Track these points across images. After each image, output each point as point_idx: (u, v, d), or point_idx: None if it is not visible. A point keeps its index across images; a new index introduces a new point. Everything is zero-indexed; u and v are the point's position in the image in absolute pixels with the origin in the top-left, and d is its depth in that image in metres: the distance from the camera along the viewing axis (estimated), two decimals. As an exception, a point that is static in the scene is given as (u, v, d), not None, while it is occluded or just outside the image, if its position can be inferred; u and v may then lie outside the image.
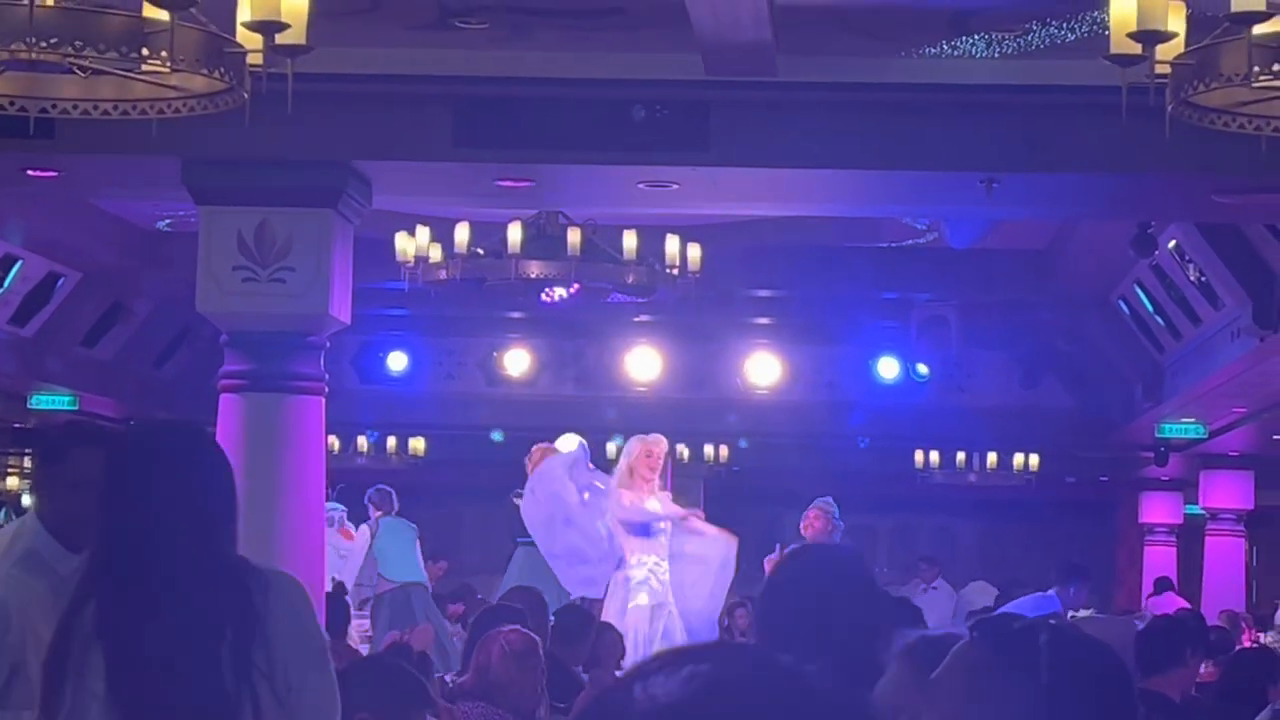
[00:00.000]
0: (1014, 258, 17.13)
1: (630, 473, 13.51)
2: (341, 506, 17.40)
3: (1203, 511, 22.89)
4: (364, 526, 16.85)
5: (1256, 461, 21.97)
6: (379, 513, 17.04)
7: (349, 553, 16.87)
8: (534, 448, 14.77)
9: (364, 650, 12.59)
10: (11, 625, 5.24)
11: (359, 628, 15.81)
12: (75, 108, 6.56)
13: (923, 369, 21.10)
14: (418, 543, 16.91)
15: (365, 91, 10.31)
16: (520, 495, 14.39)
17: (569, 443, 14.72)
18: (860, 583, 4.64)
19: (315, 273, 10.54)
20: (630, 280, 13.81)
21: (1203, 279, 15.07)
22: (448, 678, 9.62)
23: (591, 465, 14.13)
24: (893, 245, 16.93)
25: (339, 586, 15.43)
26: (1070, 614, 12.23)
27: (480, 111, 10.40)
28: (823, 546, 4.86)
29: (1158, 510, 24.77)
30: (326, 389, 10.90)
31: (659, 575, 13.36)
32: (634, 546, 13.43)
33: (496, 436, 20.74)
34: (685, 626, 13.26)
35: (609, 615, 13.04)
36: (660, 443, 13.82)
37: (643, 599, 13.25)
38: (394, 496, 17.14)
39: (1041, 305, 18.82)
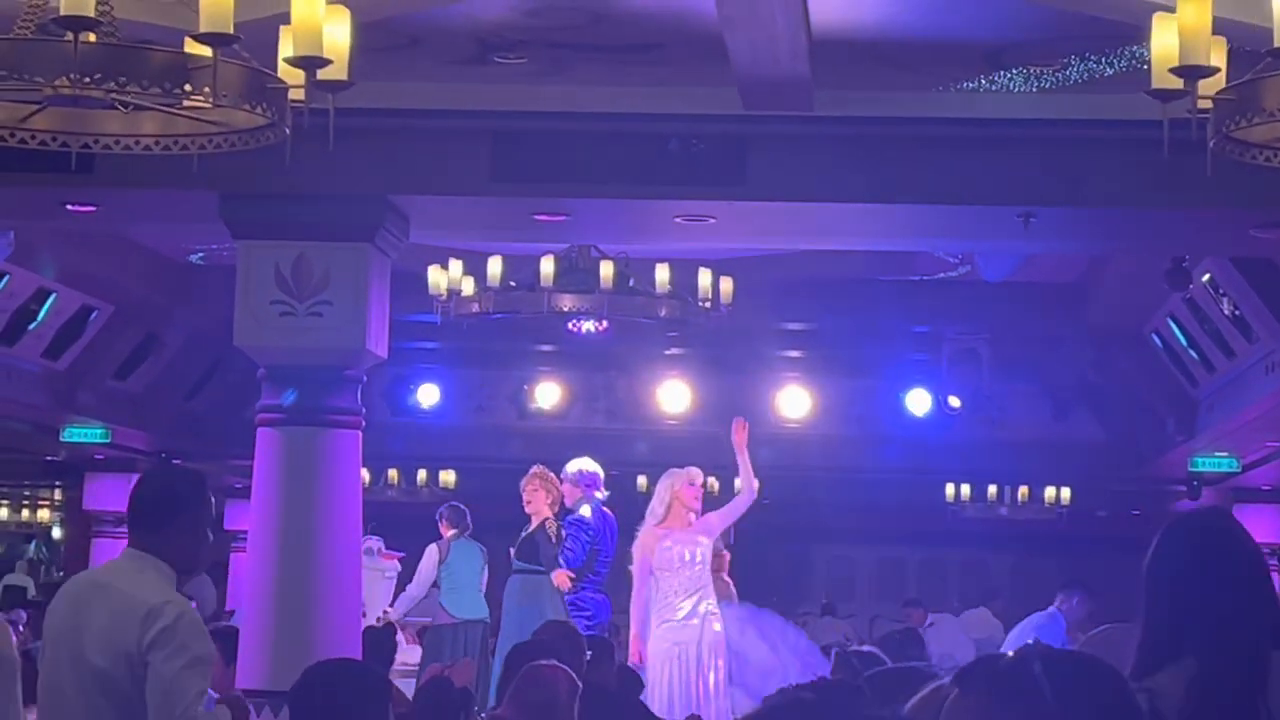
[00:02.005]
0: (1046, 291, 17.11)
1: (668, 508, 13.35)
2: (378, 537, 17.36)
3: (1235, 545, 22.75)
4: (433, 546, 15.97)
5: (1290, 495, 21.87)
6: (452, 531, 16.02)
7: (393, 573, 16.71)
8: (532, 469, 14.59)
9: (405, 685, 12.42)
10: None
11: (403, 661, 15.57)
12: (117, 143, 6.57)
13: (954, 401, 21.04)
14: (485, 570, 16.02)
15: (404, 126, 10.34)
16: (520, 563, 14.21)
17: (582, 463, 14.54)
18: (1246, 556, 4.34)
19: (353, 307, 10.55)
20: (662, 313, 13.81)
21: (1236, 312, 15.02)
22: (483, 715, 9.58)
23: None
24: (924, 278, 16.91)
25: (389, 625, 15.24)
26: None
27: (518, 146, 10.41)
28: (1208, 512, 4.61)
29: (1190, 544, 24.60)
30: (363, 423, 10.90)
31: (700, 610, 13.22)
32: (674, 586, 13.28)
33: None
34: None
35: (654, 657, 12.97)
36: (701, 474, 13.72)
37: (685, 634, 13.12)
38: (468, 515, 16.15)
39: (1073, 338, 18.77)
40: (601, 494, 14.35)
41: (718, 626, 13.29)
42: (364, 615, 17.81)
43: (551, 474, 14.43)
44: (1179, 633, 4.21)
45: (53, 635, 6.11)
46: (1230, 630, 4.19)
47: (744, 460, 13.42)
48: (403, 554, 17.43)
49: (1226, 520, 4.53)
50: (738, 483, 13.67)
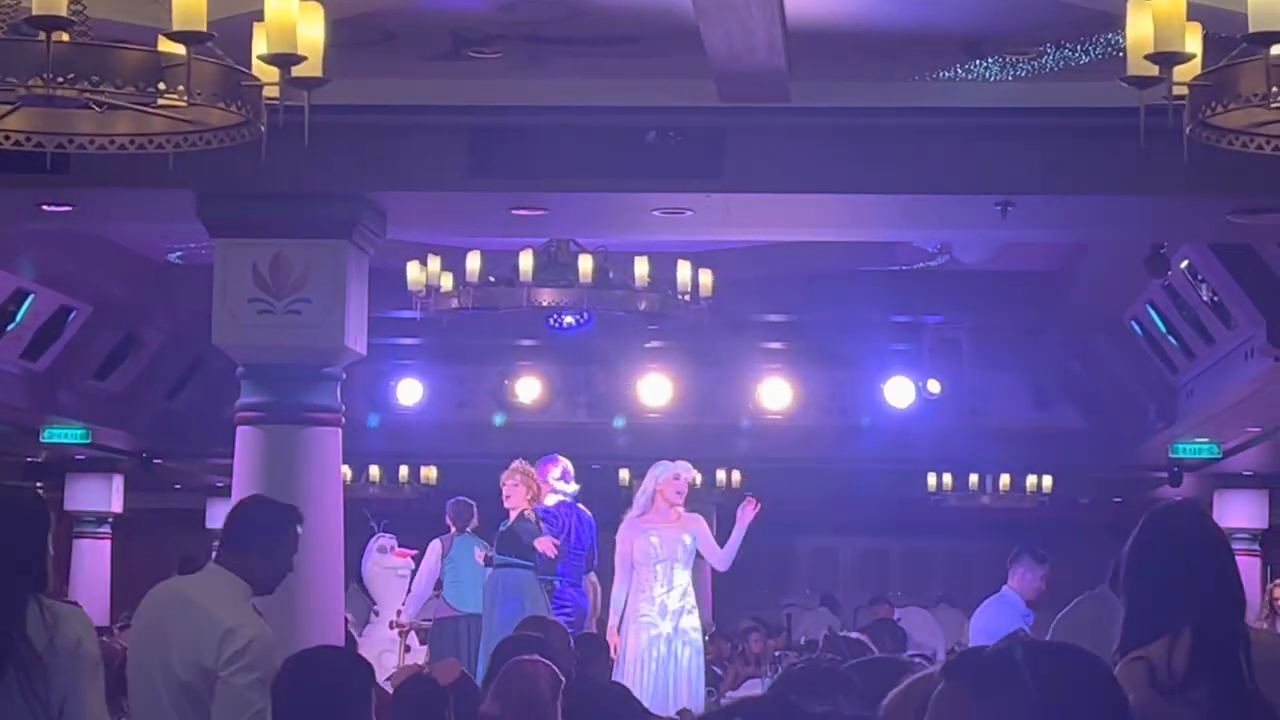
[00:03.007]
0: (1026, 279, 17.12)
1: (652, 498, 13.39)
2: (390, 535, 17.38)
3: (1217, 531, 22.81)
4: (436, 541, 15.95)
5: (1271, 480, 21.92)
6: (455, 528, 15.98)
7: (406, 570, 16.66)
8: (513, 463, 14.56)
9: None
10: None
11: (411, 659, 15.50)
12: (92, 143, 6.55)
13: (934, 385, 20.99)
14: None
15: (380, 122, 10.32)
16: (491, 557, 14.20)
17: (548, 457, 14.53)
18: (1222, 546, 5.02)
19: (331, 304, 10.54)
20: (642, 306, 13.80)
21: (1215, 298, 15.03)
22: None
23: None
24: (904, 268, 16.91)
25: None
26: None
27: (495, 141, 10.40)
28: (1185, 506, 5.53)
29: (1172, 530, 24.61)
30: (343, 420, 10.89)
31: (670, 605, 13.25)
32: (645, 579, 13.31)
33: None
34: None
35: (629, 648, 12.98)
36: (690, 470, 13.76)
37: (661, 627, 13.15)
38: (474, 510, 16.05)
39: (1053, 327, 18.80)
40: (571, 487, 14.33)
41: (694, 620, 13.33)
42: (377, 614, 17.85)
43: (531, 469, 14.43)
44: (1164, 608, 4.83)
45: (138, 641, 6.91)
46: (1216, 603, 4.84)
47: (738, 536, 13.55)
48: (415, 550, 17.36)
49: (1200, 512, 5.30)
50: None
